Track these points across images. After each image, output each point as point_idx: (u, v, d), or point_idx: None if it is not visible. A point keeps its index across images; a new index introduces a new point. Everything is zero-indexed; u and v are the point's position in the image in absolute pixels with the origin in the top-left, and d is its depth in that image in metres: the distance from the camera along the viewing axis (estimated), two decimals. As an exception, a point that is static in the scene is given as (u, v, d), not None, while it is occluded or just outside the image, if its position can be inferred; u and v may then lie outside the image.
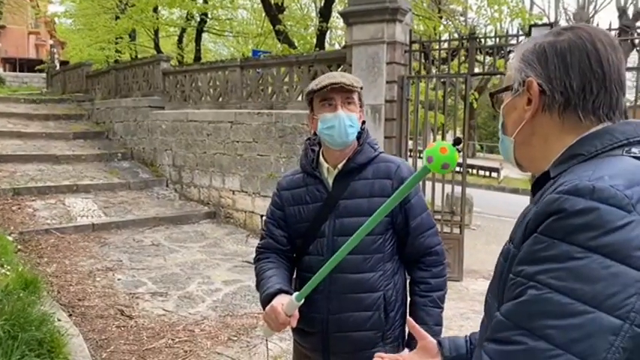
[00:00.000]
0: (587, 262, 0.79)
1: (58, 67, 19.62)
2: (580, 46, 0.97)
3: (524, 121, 1.03)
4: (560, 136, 1.00)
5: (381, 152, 1.97)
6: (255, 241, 2.14)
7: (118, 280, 5.76)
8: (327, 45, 13.08)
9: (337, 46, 15.39)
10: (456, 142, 1.13)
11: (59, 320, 4.11)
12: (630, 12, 18.84)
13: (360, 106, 1.94)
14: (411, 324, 1.34)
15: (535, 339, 0.82)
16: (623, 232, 0.79)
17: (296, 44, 11.69)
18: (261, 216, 7.82)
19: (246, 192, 8.44)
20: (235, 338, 4.41)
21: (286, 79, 8.10)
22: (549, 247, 0.83)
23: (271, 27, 11.66)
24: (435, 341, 1.23)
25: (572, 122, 0.98)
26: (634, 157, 0.91)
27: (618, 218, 0.79)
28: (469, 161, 10.79)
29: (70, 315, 4.66)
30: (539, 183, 1.02)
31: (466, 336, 1.29)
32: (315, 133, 1.98)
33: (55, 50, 28.43)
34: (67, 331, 3.97)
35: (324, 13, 11.10)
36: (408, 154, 7.09)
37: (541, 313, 0.82)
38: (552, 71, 0.99)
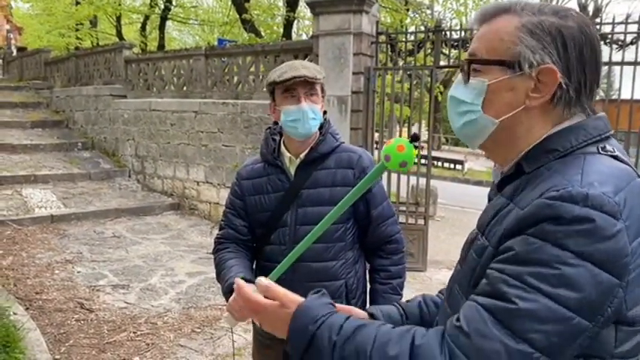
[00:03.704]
0: (578, 269, 0.79)
1: (14, 53, 18.90)
2: (589, 39, 0.90)
3: (521, 107, 0.93)
4: (540, 129, 0.94)
5: (342, 142, 1.98)
6: (220, 233, 2.11)
7: (78, 272, 5.61)
8: (294, 35, 12.99)
9: (305, 37, 15.32)
10: (414, 138, 1.08)
11: (15, 314, 4.01)
12: (590, 8, 19.38)
13: (322, 96, 1.93)
14: None
15: (517, 341, 0.81)
16: (614, 240, 0.79)
17: (262, 33, 11.59)
18: (227, 207, 7.74)
19: (211, 183, 8.34)
20: (199, 330, 4.36)
21: (252, 69, 8.01)
22: (539, 250, 0.82)
23: (237, 15, 11.51)
24: (365, 313, 1.20)
25: (558, 114, 0.94)
26: (611, 156, 0.90)
27: (611, 226, 0.79)
28: (434, 153, 10.93)
29: (27, 309, 4.52)
30: (510, 177, 0.98)
31: (395, 304, 1.27)
32: (275, 122, 1.96)
33: (12, 36, 27.31)
34: (24, 325, 3.87)
35: (291, 3, 11.02)
36: (374, 146, 7.12)
37: (527, 316, 0.81)
38: (572, 64, 0.90)
